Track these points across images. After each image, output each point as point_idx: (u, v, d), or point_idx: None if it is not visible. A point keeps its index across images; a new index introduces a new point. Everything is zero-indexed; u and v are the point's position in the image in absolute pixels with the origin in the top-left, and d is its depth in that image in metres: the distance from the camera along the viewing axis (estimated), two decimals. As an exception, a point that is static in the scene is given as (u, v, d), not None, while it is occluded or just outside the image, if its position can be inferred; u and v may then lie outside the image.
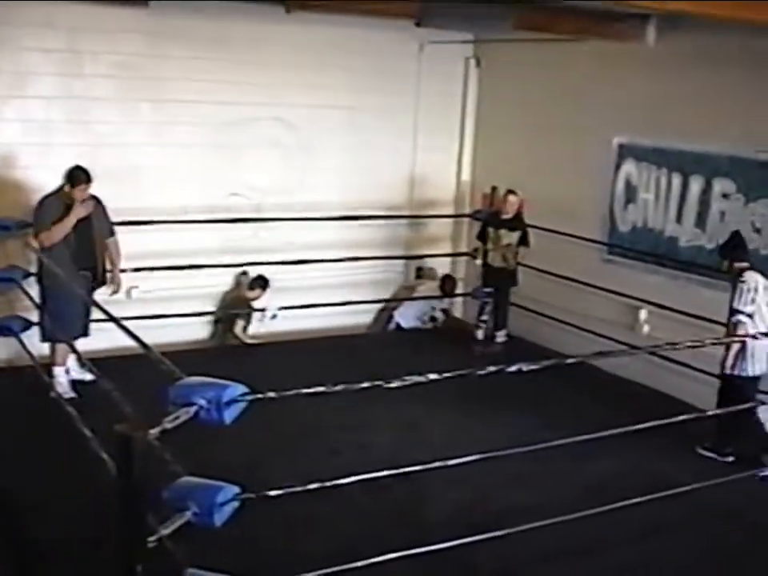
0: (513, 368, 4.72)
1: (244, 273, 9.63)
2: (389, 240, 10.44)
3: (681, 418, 6.01)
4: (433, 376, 4.46)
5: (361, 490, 5.01)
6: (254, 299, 9.51)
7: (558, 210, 9.39)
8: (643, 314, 8.76)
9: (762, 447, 6.85)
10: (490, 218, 9.70)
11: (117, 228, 7.91)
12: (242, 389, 3.93)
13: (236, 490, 4.10)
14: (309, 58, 9.51)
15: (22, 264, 7.98)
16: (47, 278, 7.35)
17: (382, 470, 4.76)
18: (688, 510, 5.97)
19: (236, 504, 4.09)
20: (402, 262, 10.79)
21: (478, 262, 9.77)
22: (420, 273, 10.86)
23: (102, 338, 7.61)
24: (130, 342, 4.79)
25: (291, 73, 9.45)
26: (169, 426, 3.77)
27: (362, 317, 10.61)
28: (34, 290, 7.65)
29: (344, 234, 9.97)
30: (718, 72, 7.88)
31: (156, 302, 8.74)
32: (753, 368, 6.89)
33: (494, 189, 10.26)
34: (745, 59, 7.65)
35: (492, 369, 4.74)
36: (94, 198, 7.48)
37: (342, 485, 4.65)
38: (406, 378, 4.39)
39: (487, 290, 9.66)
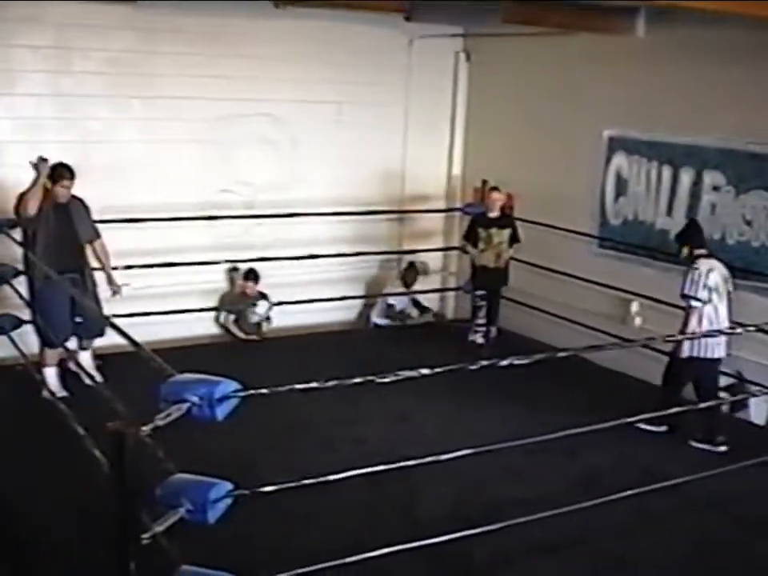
0: (504, 362, 4.72)
1: (235, 269, 9.65)
2: (380, 235, 10.45)
3: (673, 410, 6.04)
4: (425, 371, 4.46)
5: (355, 484, 5.00)
6: (249, 292, 9.53)
7: (548, 204, 9.41)
8: (635, 307, 8.77)
9: (712, 428, 7.00)
10: (479, 218, 9.51)
11: (108, 225, 7.89)
12: (234, 385, 3.92)
13: (229, 486, 4.09)
14: (299, 53, 9.50)
15: (12, 262, 7.95)
16: (35, 280, 7.34)
17: (377, 464, 4.76)
18: (679, 502, 5.98)
19: (229, 500, 4.08)
20: (394, 257, 10.80)
21: (473, 251, 9.46)
22: (412, 268, 10.85)
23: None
24: (122, 340, 4.78)
25: (281, 68, 9.43)
26: (161, 423, 3.77)
27: (352, 312, 10.63)
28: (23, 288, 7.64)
29: (335, 230, 9.98)
30: (708, 64, 7.89)
31: (148, 299, 8.72)
32: (712, 351, 7.03)
33: (484, 183, 10.26)
34: (735, 51, 7.66)
35: (483, 363, 4.74)
36: (78, 199, 7.47)
37: (336, 480, 4.65)
38: (399, 372, 4.40)
39: (480, 292, 9.54)
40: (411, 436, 6.95)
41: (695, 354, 7.03)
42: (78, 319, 7.50)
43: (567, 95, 9.38)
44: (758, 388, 7.46)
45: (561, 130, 9.42)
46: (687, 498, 6.01)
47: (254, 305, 9.49)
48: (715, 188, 8.15)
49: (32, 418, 6.83)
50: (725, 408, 7.91)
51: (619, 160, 9.03)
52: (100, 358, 7.93)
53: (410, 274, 10.43)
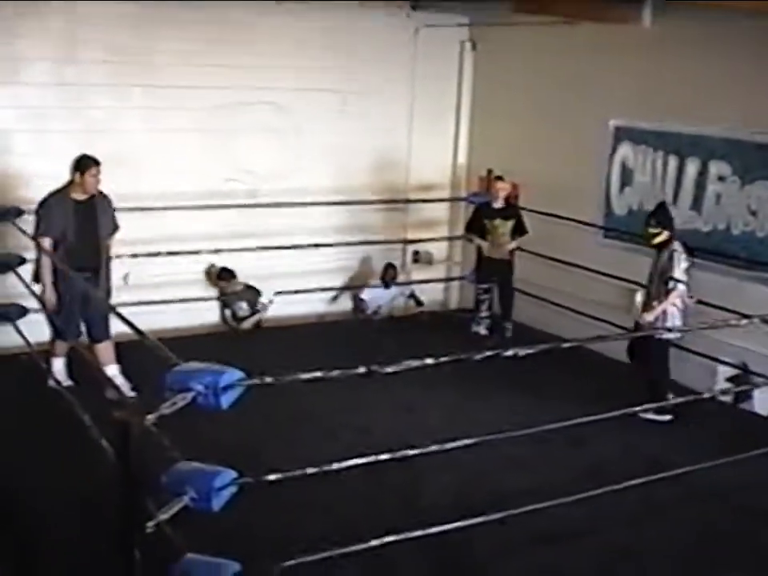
0: (509, 352, 4.72)
1: (212, 265, 9.55)
2: (385, 224, 10.44)
3: (678, 400, 6.04)
4: (430, 361, 4.46)
5: (358, 474, 5.01)
6: (225, 288, 9.50)
7: (554, 193, 9.38)
8: (639, 297, 8.73)
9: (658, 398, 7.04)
10: (484, 208, 9.46)
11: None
12: (238, 374, 3.93)
13: (234, 474, 4.10)
14: (303, 41, 9.48)
15: (17, 251, 7.96)
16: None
17: (380, 453, 4.77)
18: (683, 492, 5.99)
19: (234, 489, 4.09)
20: (398, 246, 10.79)
21: (482, 243, 9.37)
22: (417, 257, 10.85)
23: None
24: (127, 329, 4.79)
25: (286, 57, 9.41)
26: (166, 411, 3.78)
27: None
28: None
29: (340, 219, 9.97)
30: (715, 54, 7.87)
31: (152, 287, 8.74)
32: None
33: (489, 172, 10.25)
34: (742, 41, 7.63)
35: (488, 353, 4.75)
36: (103, 194, 7.33)
37: (340, 469, 4.66)
38: (403, 362, 4.40)
39: (485, 286, 9.52)
40: (415, 426, 6.96)
41: (674, 336, 7.35)
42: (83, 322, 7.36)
43: (573, 85, 9.34)
44: (762, 379, 7.47)
45: (566, 119, 9.39)
46: (691, 488, 6.02)
47: (240, 299, 9.48)
48: (721, 178, 8.12)
49: (38, 407, 6.85)
50: (729, 399, 7.92)
51: (625, 150, 9.00)
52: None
53: (390, 273, 10.16)
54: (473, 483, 6.16)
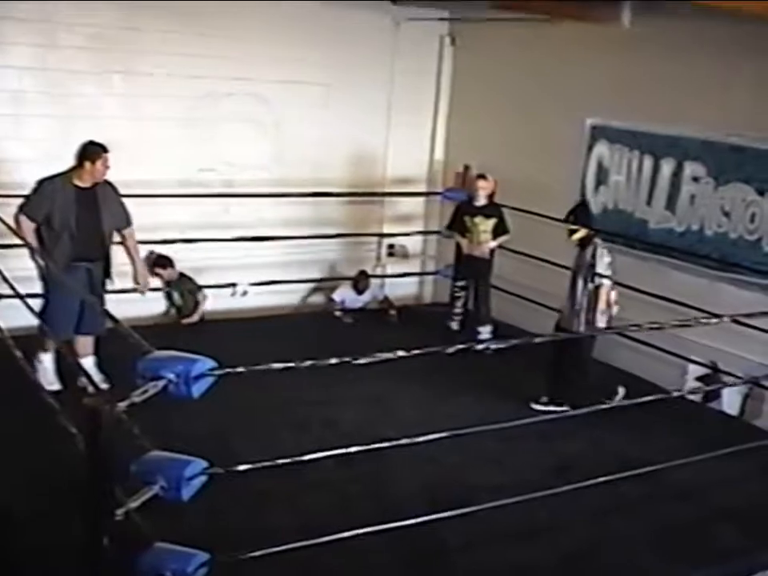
0: (480, 346, 4.75)
1: (152, 252, 9.21)
2: (361, 217, 10.45)
3: (648, 398, 6.08)
4: (401, 353, 4.48)
5: (328, 465, 5.03)
6: (168, 276, 9.36)
7: (529, 190, 9.39)
8: (613, 295, 8.78)
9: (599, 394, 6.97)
10: (464, 205, 9.42)
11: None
12: (210, 363, 3.93)
13: (204, 464, 4.11)
14: (284, 32, 9.47)
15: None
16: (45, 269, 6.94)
17: (350, 445, 4.78)
18: (650, 490, 6.04)
19: (204, 478, 4.10)
20: (374, 239, 10.80)
21: (462, 241, 9.30)
22: (392, 250, 10.86)
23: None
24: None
25: (266, 48, 9.39)
26: (137, 399, 3.78)
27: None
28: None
29: (316, 211, 9.96)
30: (692, 55, 7.92)
31: (126, 276, 8.68)
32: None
33: (466, 167, 10.28)
34: (718, 43, 7.68)
35: (459, 347, 4.77)
36: (108, 183, 7.09)
37: (310, 460, 4.68)
38: (375, 354, 4.41)
39: (461, 283, 9.50)
40: (386, 419, 6.98)
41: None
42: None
43: (551, 82, 9.38)
44: (732, 378, 7.54)
45: (543, 116, 9.43)
46: (658, 486, 6.07)
47: (171, 288, 9.39)
48: (695, 179, 8.19)
49: (5, 392, 6.77)
50: (698, 398, 8.00)
51: (601, 149, 9.05)
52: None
53: (363, 280, 10.07)
54: (442, 477, 6.17)
